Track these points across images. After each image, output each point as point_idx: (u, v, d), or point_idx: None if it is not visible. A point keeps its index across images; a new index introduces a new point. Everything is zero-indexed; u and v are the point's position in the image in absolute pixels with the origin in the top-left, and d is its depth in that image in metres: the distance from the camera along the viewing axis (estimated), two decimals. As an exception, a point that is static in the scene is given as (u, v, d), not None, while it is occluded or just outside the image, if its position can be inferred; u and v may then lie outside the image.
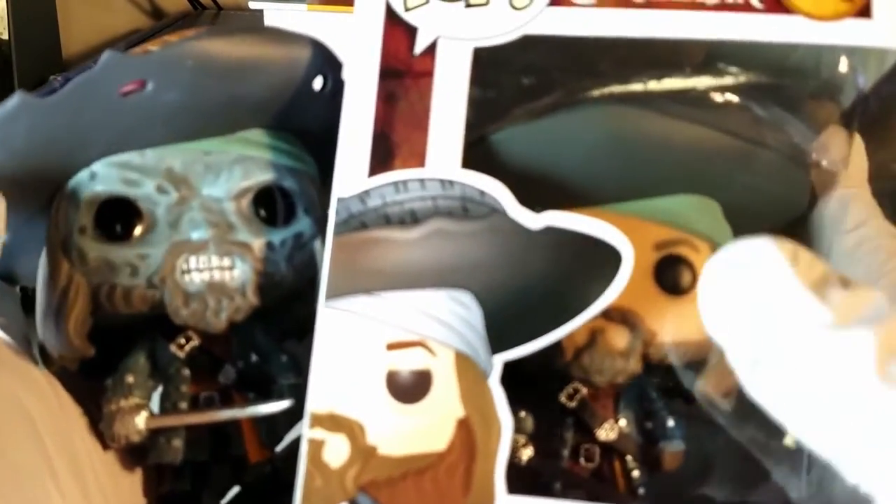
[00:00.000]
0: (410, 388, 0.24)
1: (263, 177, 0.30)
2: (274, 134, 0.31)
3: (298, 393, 0.30)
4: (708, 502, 0.31)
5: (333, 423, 0.24)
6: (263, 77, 0.28)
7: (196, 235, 0.29)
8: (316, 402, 0.24)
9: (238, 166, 0.29)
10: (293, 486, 0.24)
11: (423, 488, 0.23)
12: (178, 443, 0.29)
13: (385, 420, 0.24)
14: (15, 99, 0.26)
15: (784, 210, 0.31)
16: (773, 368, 0.19)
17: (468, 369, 0.24)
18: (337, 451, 0.24)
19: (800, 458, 0.29)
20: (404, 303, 0.25)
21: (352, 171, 0.26)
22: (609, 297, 0.24)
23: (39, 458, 0.24)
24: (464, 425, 0.24)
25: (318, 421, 0.24)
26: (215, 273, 0.28)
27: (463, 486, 0.23)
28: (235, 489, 0.32)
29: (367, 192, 0.26)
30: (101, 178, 0.29)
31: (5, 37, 0.68)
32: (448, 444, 0.24)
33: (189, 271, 0.28)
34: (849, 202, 0.29)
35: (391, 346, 0.25)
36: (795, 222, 0.30)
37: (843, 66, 0.29)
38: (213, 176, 0.29)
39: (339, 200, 0.26)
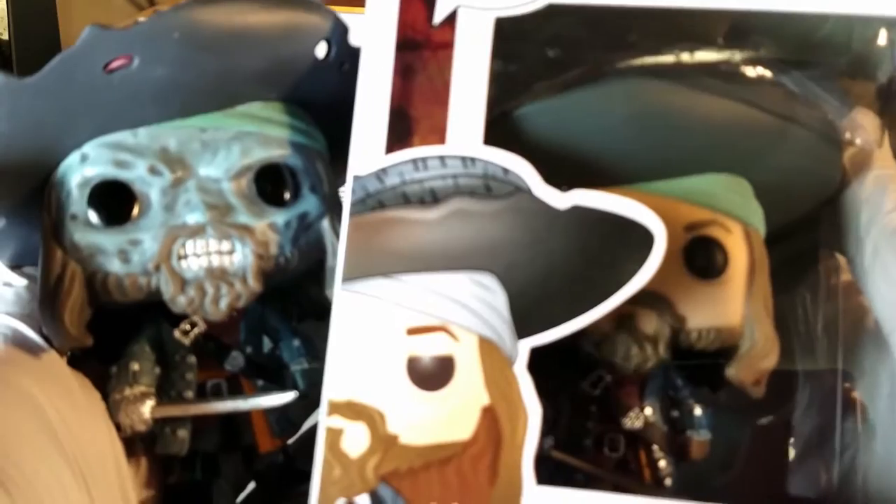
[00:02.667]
0: (432, 375, 0.23)
1: (264, 154, 0.28)
2: (276, 107, 0.29)
3: (312, 378, 0.29)
4: (733, 492, 0.30)
5: (352, 410, 0.23)
6: (260, 46, 0.27)
7: (192, 218, 0.27)
8: (333, 389, 0.23)
9: (237, 143, 0.27)
10: (307, 475, 0.23)
11: (447, 479, 0.22)
12: (183, 433, 0.28)
13: (406, 408, 0.23)
14: None
15: (815, 189, 0.29)
16: None
17: (492, 355, 0.23)
18: (356, 439, 0.23)
19: (832, 441, 0.28)
20: (425, 286, 0.24)
21: (368, 148, 0.25)
22: (641, 280, 0.23)
23: (54, 456, 0.23)
24: (489, 413, 0.23)
25: (335, 409, 0.23)
26: (213, 258, 0.27)
27: (489, 476, 0.22)
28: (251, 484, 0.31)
29: (384, 170, 0.25)
30: (93, 159, 0.27)
31: (5, 37, 0.67)
32: (472, 432, 0.23)
33: (186, 256, 0.27)
34: (887, 183, 0.28)
35: (411, 331, 0.23)
36: (827, 202, 0.29)
37: (882, 39, 0.28)
38: (210, 154, 0.27)
39: (356, 179, 0.25)
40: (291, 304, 0.31)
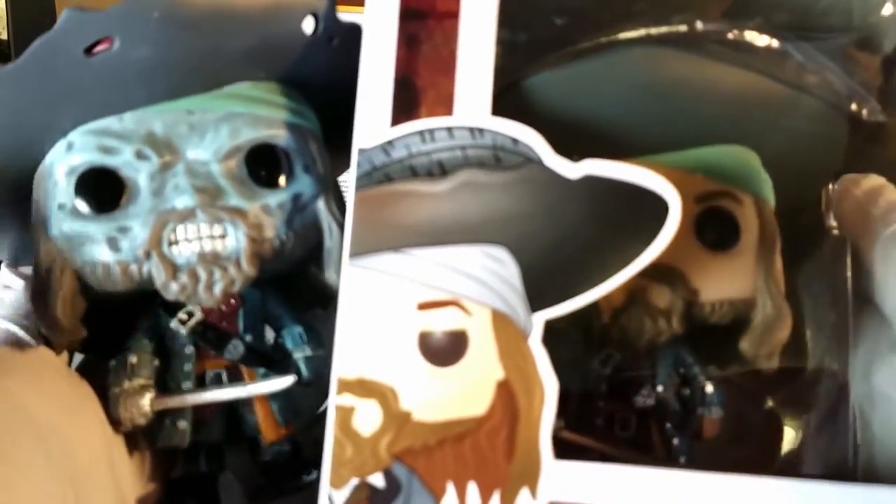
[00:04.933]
0: (445, 350, 0.22)
1: (254, 134, 0.27)
2: (266, 87, 0.28)
3: (316, 366, 0.28)
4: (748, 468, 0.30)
5: (363, 388, 0.22)
6: (244, 24, 0.26)
7: (181, 202, 0.26)
8: (343, 367, 0.23)
9: (225, 124, 0.27)
10: (314, 464, 0.23)
11: (463, 455, 0.22)
12: (184, 425, 0.27)
13: (419, 384, 0.22)
14: None
15: (824, 160, 0.29)
16: None
17: (506, 329, 0.23)
18: (368, 417, 0.22)
19: (846, 415, 0.28)
20: (435, 260, 0.23)
21: (373, 120, 0.24)
22: (654, 250, 0.23)
23: (33, 462, 0.22)
24: (504, 388, 0.22)
25: (346, 387, 0.22)
26: (205, 242, 0.26)
27: (505, 451, 0.22)
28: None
29: (390, 143, 0.24)
30: (78, 147, 0.26)
31: (4, 36, 0.66)
32: (488, 408, 0.22)
33: (176, 242, 0.26)
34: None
35: (422, 306, 0.23)
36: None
37: (887, 9, 0.28)
38: (197, 137, 0.26)
39: (361, 152, 0.24)
40: (292, 291, 0.30)
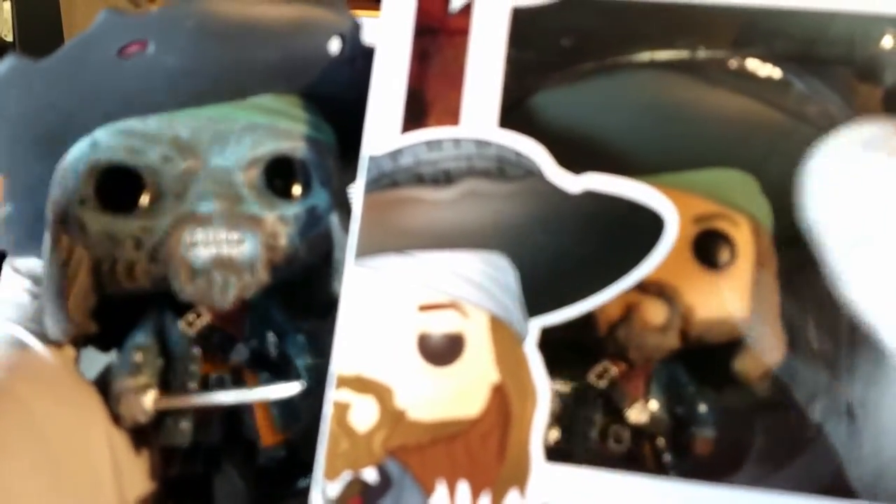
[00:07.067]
0: (442, 351, 0.23)
1: (275, 146, 0.28)
2: (288, 100, 0.29)
3: (317, 374, 0.29)
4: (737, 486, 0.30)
5: (361, 385, 0.23)
6: (273, 38, 0.27)
7: (203, 208, 0.27)
8: (342, 363, 0.23)
9: (248, 135, 0.28)
10: (310, 469, 0.23)
11: (455, 455, 0.22)
12: (185, 425, 0.28)
13: (415, 383, 0.23)
14: (7, 62, 0.24)
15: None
16: (874, 253, 0.18)
17: (503, 333, 0.23)
18: (364, 414, 0.23)
19: (837, 435, 0.28)
20: (437, 264, 0.24)
21: (384, 129, 0.25)
22: (650, 265, 0.23)
23: (32, 466, 0.23)
24: (498, 391, 0.23)
25: (344, 382, 0.23)
26: (223, 247, 0.27)
27: (497, 453, 0.22)
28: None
29: (399, 151, 0.25)
30: (103, 145, 0.27)
31: (10, 39, 0.67)
32: (481, 409, 0.23)
33: (195, 245, 0.27)
34: None
35: (423, 308, 0.23)
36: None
37: (888, 42, 0.29)
38: (220, 145, 0.27)
39: (371, 159, 0.25)
40: (296, 300, 0.31)
